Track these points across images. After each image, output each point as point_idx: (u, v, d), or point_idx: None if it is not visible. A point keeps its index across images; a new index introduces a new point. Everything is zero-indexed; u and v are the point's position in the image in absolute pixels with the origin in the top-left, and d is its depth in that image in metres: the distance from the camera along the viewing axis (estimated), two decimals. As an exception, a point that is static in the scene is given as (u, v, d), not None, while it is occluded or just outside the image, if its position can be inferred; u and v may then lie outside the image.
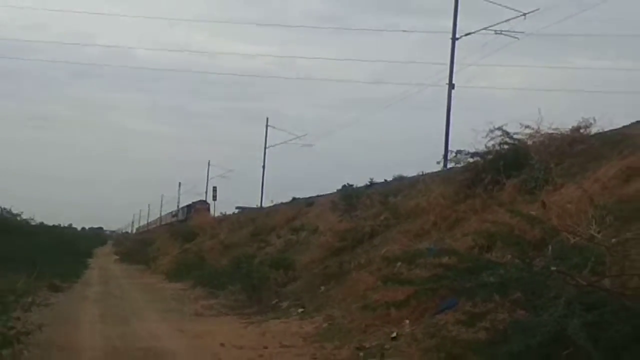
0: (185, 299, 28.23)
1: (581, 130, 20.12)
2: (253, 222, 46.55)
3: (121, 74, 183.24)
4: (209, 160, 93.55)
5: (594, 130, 20.02)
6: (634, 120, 19.64)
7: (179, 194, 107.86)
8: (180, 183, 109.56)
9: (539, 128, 20.26)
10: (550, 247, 11.13)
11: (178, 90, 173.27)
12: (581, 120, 20.24)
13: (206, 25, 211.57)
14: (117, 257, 71.66)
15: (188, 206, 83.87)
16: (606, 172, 16.22)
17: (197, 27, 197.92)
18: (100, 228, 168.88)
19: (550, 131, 20.25)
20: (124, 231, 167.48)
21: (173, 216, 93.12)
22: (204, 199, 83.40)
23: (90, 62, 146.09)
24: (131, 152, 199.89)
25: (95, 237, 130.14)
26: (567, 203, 14.34)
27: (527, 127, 20.26)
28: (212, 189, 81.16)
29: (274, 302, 22.56)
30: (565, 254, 9.91)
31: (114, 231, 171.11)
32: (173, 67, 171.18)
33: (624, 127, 19.47)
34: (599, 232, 11.44)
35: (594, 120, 20.07)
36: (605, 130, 19.80)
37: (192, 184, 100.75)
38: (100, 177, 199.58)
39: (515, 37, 36.75)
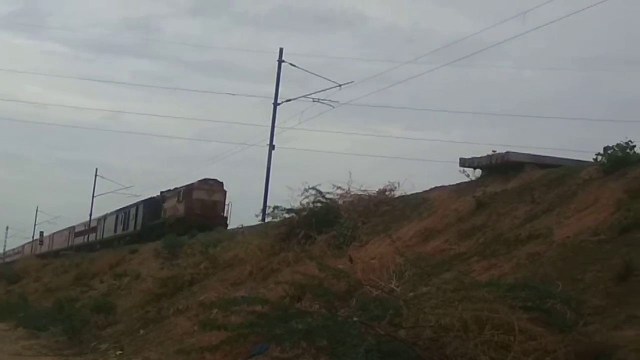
0: (6, 339, 26.89)
1: (387, 193, 20.80)
2: (77, 267, 45.15)
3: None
4: (37, 206, 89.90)
5: (398, 193, 20.75)
6: (432, 186, 20.39)
7: (5, 238, 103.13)
8: (7, 227, 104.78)
9: (349, 189, 20.84)
10: (354, 299, 11.31)
11: (8, 138, 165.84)
12: (387, 183, 20.96)
13: (40, 77, 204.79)
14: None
15: (162, 193, 48.43)
16: (407, 231, 16.73)
17: (30, 79, 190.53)
18: None
19: (359, 192, 20.84)
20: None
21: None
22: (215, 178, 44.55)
23: None
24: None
25: None
26: (372, 259, 14.64)
27: (338, 187, 20.81)
28: (39, 233, 78.42)
29: (93, 344, 21.85)
30: (367, 305, 10.05)
31: None
32: (3, 115, 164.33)
33: (424, 191, 20.18)
34: (398, 286, 11.72)
35: (398, 184, 20.84)
36: (408, 193, 20.51)
37: (20, 228, 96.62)
38: None
39: (331, 105, 37.67)
